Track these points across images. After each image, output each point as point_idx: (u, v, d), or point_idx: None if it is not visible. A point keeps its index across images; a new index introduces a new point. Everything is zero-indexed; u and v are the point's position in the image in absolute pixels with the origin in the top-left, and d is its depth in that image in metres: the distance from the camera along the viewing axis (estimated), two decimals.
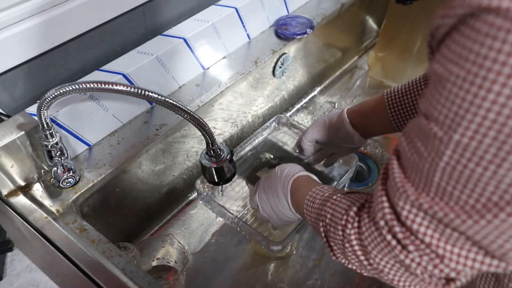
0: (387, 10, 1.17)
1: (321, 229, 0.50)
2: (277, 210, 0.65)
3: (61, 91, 0.53)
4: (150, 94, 0.53)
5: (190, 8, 0.85)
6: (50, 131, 0.60)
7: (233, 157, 0.69)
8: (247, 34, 0.92)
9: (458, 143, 0.31)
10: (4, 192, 0.65)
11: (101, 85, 0.53)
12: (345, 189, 0.91)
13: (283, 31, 0.94)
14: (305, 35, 0.94)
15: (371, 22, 1.29)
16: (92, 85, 0.53)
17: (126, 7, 0.71)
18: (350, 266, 0.47)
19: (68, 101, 0.66)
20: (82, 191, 0.67)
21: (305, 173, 0.64)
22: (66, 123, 0.66)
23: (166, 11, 0.80)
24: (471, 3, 0.28)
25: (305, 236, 0.86)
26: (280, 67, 0.97)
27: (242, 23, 0.89)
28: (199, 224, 0.88)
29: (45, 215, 0.63)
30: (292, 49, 0.99)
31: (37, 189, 0.67)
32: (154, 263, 0.78)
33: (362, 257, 0.44)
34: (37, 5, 0.60)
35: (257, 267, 0.81)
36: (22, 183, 0.66)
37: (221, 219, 0.85)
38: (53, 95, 0.53)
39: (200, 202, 0.80)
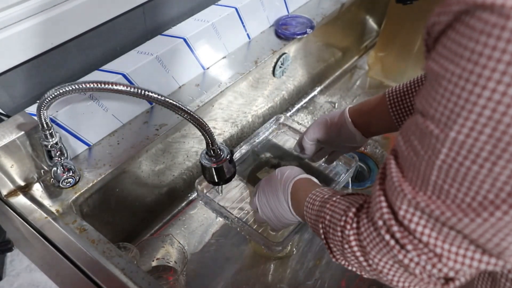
0: (387, 10, 1.17)
1: (321, 231, 0.50)
2: (277, 213, 0.65)
3: (61, 91, 0.53)
4: (150, 94, 0.53)
5: (190, 8, 0.85)
6: (50, 131, 0.60)
7: (233, 157, 0.69)
8: (247, 34, 0.92)
9: (454, 141, 0.31)
10: (4, 192, 0.65)
11: (101, 85, 0.53)
12: (349, 189, 0.91)
13: (283, 31, 0.94)
14: (305, 35, 0.94)
15: (371, 22, 1.28)
16: (92, 85, 0.53)
17: (126, 7, 0.71)
18: (349, 267, 0.47)
19: (68, 101, 0.66)
20: (82, 191, 0.67)
21: (305, 175, 0.64)
22: (66, 123, 0.66)
23: (166, 11, 0.80)
24: (466, 0, 0.27)
25: (305, 236, 0.86)
26: (280, 67, 0.97)
27: (242, 23, 0.89)
28: (199, 224, 0.88)
29: (45, 215, 0.63)
30: (292, 49, 0.99)
31: (37, 189, 0.67)
32: (154, 263, 0.78)
33: (361, 258, 0.44)
34: (37, 5, 0.60)
35: (257, 267, 0.81)
36: (22, 183, 0.66)
37: (221, 219, 0.85)
38: (53, 95, 0.53)
39: (200, 202, 0.80)
